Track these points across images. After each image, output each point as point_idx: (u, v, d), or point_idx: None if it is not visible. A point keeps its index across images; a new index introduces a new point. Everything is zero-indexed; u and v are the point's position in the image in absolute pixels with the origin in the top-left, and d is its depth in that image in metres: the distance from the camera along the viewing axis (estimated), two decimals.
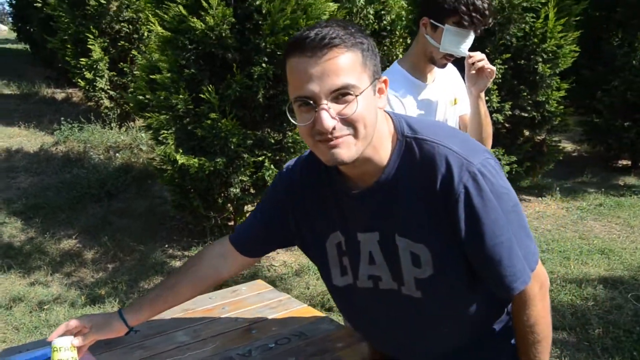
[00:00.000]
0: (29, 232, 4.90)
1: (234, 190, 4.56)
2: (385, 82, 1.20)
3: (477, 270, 1.26)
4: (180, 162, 4.27)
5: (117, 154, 6.55)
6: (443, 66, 2.05)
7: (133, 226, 5.03)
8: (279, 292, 2.01)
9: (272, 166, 4.48)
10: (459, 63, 2.10)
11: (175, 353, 1.59)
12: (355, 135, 1.14)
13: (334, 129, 1.11)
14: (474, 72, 2.04)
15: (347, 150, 1.15)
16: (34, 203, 5.42)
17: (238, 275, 4.24)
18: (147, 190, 5.78)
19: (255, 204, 4.82)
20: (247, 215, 4.84)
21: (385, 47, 7.78)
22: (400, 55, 8.21)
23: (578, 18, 5.69)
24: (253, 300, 1.93)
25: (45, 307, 3.71)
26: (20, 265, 4.30)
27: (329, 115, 1.10)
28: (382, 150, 1.24)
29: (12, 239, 4.78)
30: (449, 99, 2.15)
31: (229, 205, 4.89)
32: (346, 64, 1.10)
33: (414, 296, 1.29)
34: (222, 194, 4.69)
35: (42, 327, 3.44)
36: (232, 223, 4.99)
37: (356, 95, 1.11)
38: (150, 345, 1.64)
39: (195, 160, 4.28)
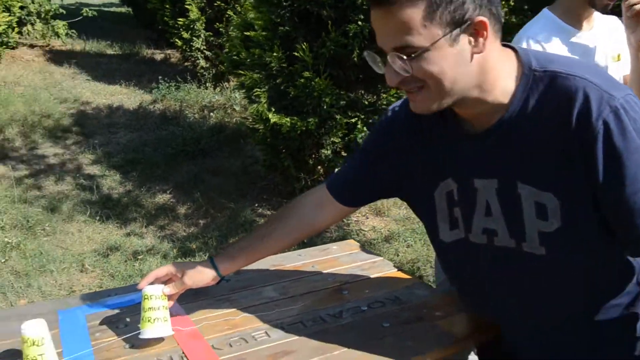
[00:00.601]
0: (126, 185, 5.06)
1: (325, 151, 4.47)
2: (481, 23, 1.02)
3: (611, 222, 1.07)
4: (272, 120, 4.22)
5: (211, 114, 6.64)
6: (604, 9, 1.82)
7: (224, 184, 5.07)
8: (371, 253, 1.89)
9: (364, 128, 4.34)
10: None
11: (263, 308, 1.51)
12: (428, 89, 1.07)
13: (401, 82, 1.07)
14: (630, 15, 1.76)
15: (422, 103, 1.10)
16: (132, 158, 5.59)
17: (328, 234, 4.18)
18: (239, 150, 5.82)
19: None
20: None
21: None
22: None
23: None
24: (344, 260, 1.83)
25: (139, 257, 3.80)
26: (118, 216, 4.44)
27: (392, 70, 1.06)
28: (499, 90, 1.09)
29: (111, 191, 4.96)
30: (611, 54, 1.92)
31: (319, 167, 4.82)
32: (402, 23, 1.01)
33: (535, 253, 1.13)
34: (313, 155, 4.62)
35: (135, 276, 3.53)
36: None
37: (416, 54, 1.01)
38: (237, 299, 1.57)
39: (288, 119, 4.22)
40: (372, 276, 1.71)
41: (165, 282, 1.43)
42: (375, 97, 4.52)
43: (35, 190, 4.93)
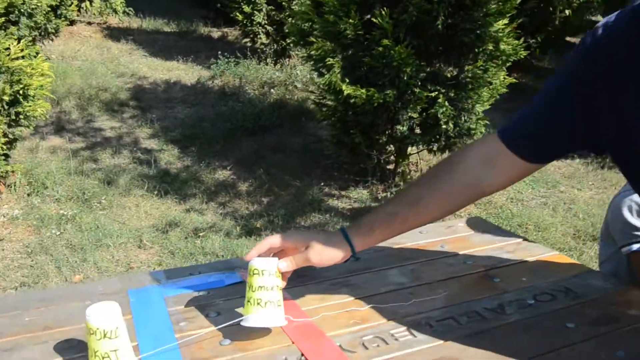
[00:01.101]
0: (184, 160, 4.78)
1: (401, 127, 4.07)
2: None
3: None
4: (346, 92, 3.85)
5: (272, 90, 6.32)
6: None
7: (287, 162, 4.74)
8: (508, 231, 1.50)
9: (446, 103, 3.93)
10: None
11: (394, 298, 1.15)
12: None
13: None
14: None
15: None
16: (190, 132, 5.31)
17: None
18: (301, 127, 5.48)
19: (421, 146, 4.32)
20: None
21: None
22: None
23: None
24: (477, 240, 1.44)
25: (200, 234, 3.51)
26: (177, 192, 4.16)
27: None
28: None
29: (169, 166, 4.69)
30: None
31: (391, 145, 4.43)
32: None
33: None
34: (387, 132, 4.23)
35: (197, 254, 3.24)
36: (391, 167, 4.54)
37: None
38: (357, 284, 1.21)
39: (363, 91, 3.84)
40: (524, 260, 1.32)
41: (279, 256, 1.08)
42: (457, 69, 4.10)
43: (92, 162, 4.70)
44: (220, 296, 1.16)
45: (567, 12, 7.29)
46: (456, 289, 1.18)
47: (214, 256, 3.22)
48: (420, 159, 4.66)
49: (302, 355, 0.95)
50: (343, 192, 4.20)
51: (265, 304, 0.99)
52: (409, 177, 4.43)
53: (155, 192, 4.10)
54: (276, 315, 0.99)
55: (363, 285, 1.20)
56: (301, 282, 1.21)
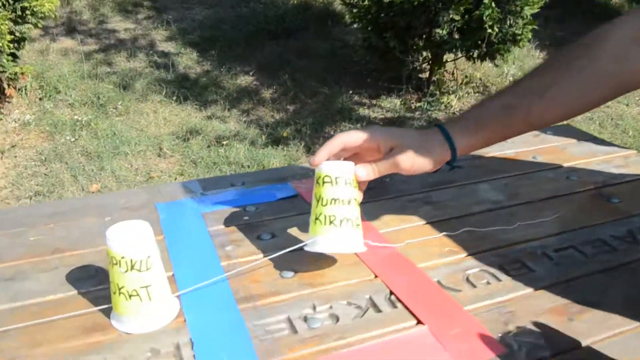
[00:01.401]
0: (204, 65, 4.48)
1: (440, 31, 3.71)
2: None
3: None
4: None
5: None
6: None
7: (313, 67, 4.42)
8: (609, 142, 1.24)
9: (492, 4, 3.54)
10: None
11: (493, 219, 0.91)
12: None
13: None
14: None
15: None
16: (209, 35, 4.97)
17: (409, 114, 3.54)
18: (327, 32, 5.10)
19: (459, 53, 3.97)
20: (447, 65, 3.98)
21: None
22: None
23: None
24: (577, 151, 1.19)
25: (224, 142, 3.28)
26: (196, 98, 3.90)
27: None
28: None
29: (188, 70, 4.39)
30: None
31: (427, 52, 4.08)
32: None
33: None
34: (424, 36, 3.87)
35: (221, 163, 3.02)
36: (425, 75, 4.21)
37: None
38: (443, 200, 0.97)
39: None
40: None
41: (354, 160, 0.82)
42: None
43: (106, 66, 4.41)
44: (273, 213, 0.93)
45: None
46: (568, 211, 0.93)
47: (239, 166, 3.00)
48: (457, 68, 4.32)
49: (392, 293, 0.72)
50: (374, 101, 3.91)
51: (340, 222, 0.74)
52: (444, 86, 4.11)
53: (174, 98, 3.84)
54: (354, 238, 0.76)
55: (450, 203, 0.96)
56: (372, 197, 0.97)
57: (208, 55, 4.60)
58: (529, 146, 1.20)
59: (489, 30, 3.59)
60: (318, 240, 0.75)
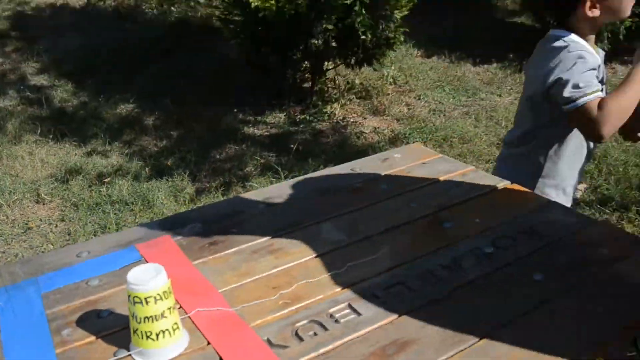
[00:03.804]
0: (81, 96, 4.30)
1: (316, 41, 3.78)
2: None
3: None
4: (253, 5, 3.48)
5: (173, 8, 5.76)
6: None
7: (196, 88, 4.36)
8: (455, 160, 1.32)
9: (363, 11, 3.64)
10: None
11: (331, 262, 0.94)
12: None
13: None
14: None
15: None
16: (85, 64, 4.77)
17: (324, 139, 3.59)
18: (209, 48, 5.04)
19: (337, 60, 4.06)
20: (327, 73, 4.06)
21: None
22: None
23: None
24: (421, 173, 1.25)
25: (105, 180, 3.16)
26: (75, 133, 3.74)
27: None
28: None
29: (64, 104, 4.21)
30: None
31: (306, 62, 4.14)
32: None
33: None
34: (301, 47, 3.92)
35: (104, 203, 2.91)
36: (307, 85, 4.27)
37: None
38: (284, 248, 0.99)
39: (273, 2, 3.48)
40: (474, 195, 1.14)
41: None
42: None
43: None
44: (116, 284, 0.92)
45: None
46: (402, 242, 0.98)
47: (123, 204, 2.91)
48: (338, 75, 4.41)
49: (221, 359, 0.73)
50: (259, 118, 3.91)
51: (157, 335, 0.75)
52: (327, 95, 4.19)
53: (51, 136, 3.66)
54: (174, 345, 0.77)
55: (291, 250, 0.98)
56: (212, 250, 0.98)
57: (85, 86, 4.43)
58: (376, 171, 1.25)
59: (362, 37, 3.69)
60: (140, 352, 0.76)
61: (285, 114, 3.95)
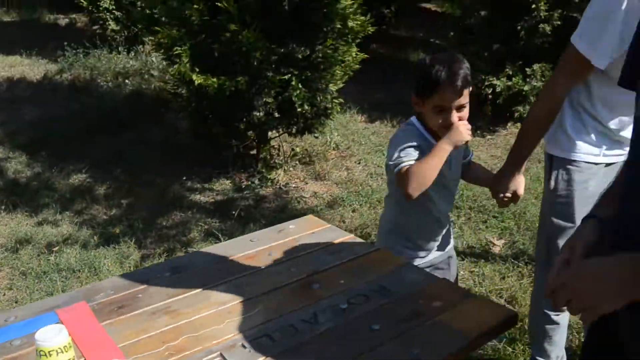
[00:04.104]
0: (35, 167, 4.47)
1: (257, 114, 4.06)
2: None
3: None
4: (197, 82, 3.76)
5: (127, 81, 6.03)
6: None
7: (148, 158, 4.58)
8: (340, 230, 1.56)
9: (299, 85, 3.95)
10: None
11: (213, 320, 1.15)
12: None
13: None
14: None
15: None
16: (40, 135, 4.95)
17: (267, 205, 3.82)
18: (162, 119, 5.29)
19: (280, 128, 4.34)
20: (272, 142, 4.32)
21: None
22: None
23: None
24: (307, 243, 1.48)
25: (54, 249, 3.31)
26: (27, 204, 3.89)
27: None
28: None
29: (18, 175, 4.36)
30: None
31: (251, 132, 4.41)
32: None
33: None
34: (244, 119, 4.20)
35: (51, 272, 3.05)
36: (254, 152, 4.53)
37: None
38: (177, 309, 1.20)
39: (214, 80, 3.76)
40: (345, 260, 1.37)
41: None
42: (309, 50, 4.12)
43: None
44: (33, 343, 1.10)
45: None
46: (277, 301, 1.20)
47: (70, 272, 3.05)
48: (284, 141, 4.69)
49: None
50: (206, 185, 4.13)
51: None
52: (272, 161, 4.45)
53: (3, 207, 3.80)
54: None
55: (184, 311, 1.19)
56: (122, 313, 1.18)
57: (39, 157, 4.60)
58: (269, 242, 1.48)
59: (299, 109, 3.99)
60: None
61: (231, 181, 4.17)
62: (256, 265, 1.37)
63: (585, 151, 1.80)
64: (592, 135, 1.79)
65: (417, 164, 1.49)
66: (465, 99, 1.57)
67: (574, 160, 1.82)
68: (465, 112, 1.59)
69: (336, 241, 1.47)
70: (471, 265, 3.10)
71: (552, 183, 1.86)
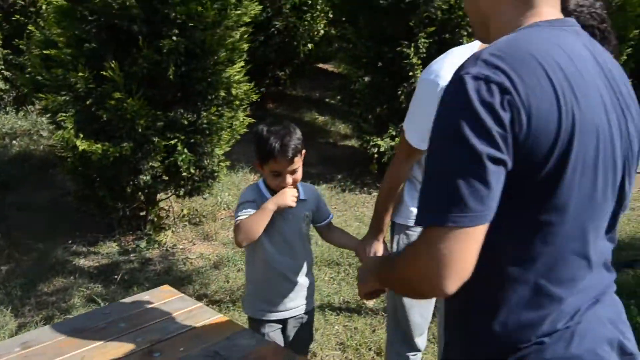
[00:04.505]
0: None
1: (144, 177, 4.14)
2: None
3: None
4: (81, 148, 3.81)
5: (14, 141, 5.91)
6: None
7: (32, 221, 4.50)
8: (190, 299, 1.69)
9: (185, 150, 4.09)
10: None
11: None
12: None
13: None
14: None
15: None
16: None
17: (152, 267, 3.85)
18: (49, 180, 5.23)
19: (168, 191, 4.44)
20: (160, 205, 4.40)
21: (306, 22, 7.48)
22: (322, 32, 7.93)
23: None
24: (157, 314, 1.60)
25: None
26: None
27: None
28: None
29: None
30: None
31: (139, 194, 4.46)
32: None
33: None
34: (131, 182, 4.26)
35: None
36: (143, 213, 4.57)
37: None
38: None
39: (99, 146, 3.83)
40: (189, 328, 1.51)
41: None
42: (195, 115, 4.28)
43: None
44: None
45: (309, 45, 7.95)
46: None
47: None
48: (176, 202, 4.77)
49: None
50: (92, 248, 4.12)
51: None
52: (161, 223, 4.50)
53: None
54: None
55: None
56: None
57: None
58: (122, 313, 1.59)
59: (185, 173, 4.11)
60: None
61: (117, 244, 4.19)
62: (105, 337, 1.47)
63: None
64: None
65: (245, 218, 1.74)
66: (297, 164, 1.86)
67: (412, 226, 2.06)
68: (299, 175, 1.88)
69: (185, 310, 1.60)
70: (345, 320, 3.29)
71: (395, 247, 2.09)
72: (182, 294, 1.71)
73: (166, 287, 1.77)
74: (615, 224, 1.00)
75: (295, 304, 1.90)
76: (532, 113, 0.82)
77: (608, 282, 1.00)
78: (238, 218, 1.75)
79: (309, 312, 2.00)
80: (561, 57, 0.88)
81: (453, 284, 0.83)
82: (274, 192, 1.84)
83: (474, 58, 0.87)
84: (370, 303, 3.50)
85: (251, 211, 1.76)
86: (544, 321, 0.91)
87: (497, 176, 0.82)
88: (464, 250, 0.82)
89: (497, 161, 0.82)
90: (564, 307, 0.92)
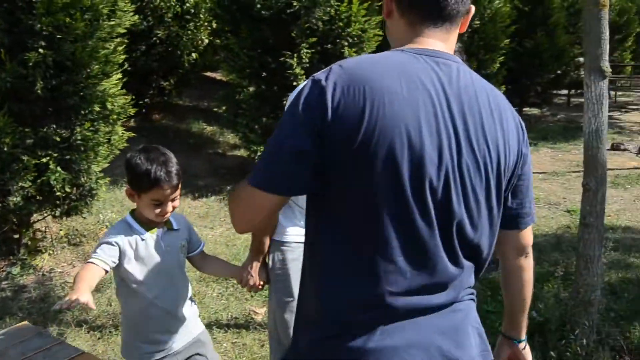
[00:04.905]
0: None
1: (14, 199, 3.86)
2: None
3: None
4: None
5: None
6: None
7: None
8: (50, 336, 1.59)
9: (58, 168, 3.86)
10: None
11: None
12: None
13: None
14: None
15: None
16: None
17: (26, 294, 3.59)
18: None
19: (43, 212, 4.17)
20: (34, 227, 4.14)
21: (189, 32, 7.34)
22: (206, 41, 7.82)
23: (380, 3, 5.79)
24: (14, 351, 1.49)
25: None
26: None
27: None
28: None
29: None
30: None
31: (10, 215, 4.16)
32: None
33: None
34: (0, 204, 3.96)
35: None
36: (17, 236, 4.27)
37: None
38: None
39: None
40: None
41: None
42: (69, 131, 4.05)
43: None
44: None
45: (194, 55, 7.80)
46: None
47: None
48: (54, 222, 4.50)
49: None
50: None
51: None
52: (37, 246, 4.23)
53: None
54: None
55: None
56: None
57: None
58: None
59: (59, 193, 3.88)
60: None
61: None
62: None
63: (294, 233, 2.06)
64: (301, 221, 2.05)
65: (82, 272, 1.59)
66: (178, 191, 1.77)
67: (286, 242, 2.07)
68: (177, 202, 1.79)
69: (44, 348, 1.50)
70: (234, 337, 3.25)
71: (271, 263, 2.09)
72: (42, 330, 1.60)
73: (25, 324, 1.65)
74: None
75: (182, 335, 1.85)
76: (338, 113, 0.99)
77: None
78: (91, 258, 1.64)
79: (200, 334, 1.95)
80: (391, 77, 1.03)
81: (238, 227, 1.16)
82: (146, 224, 1.76)
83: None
84: (258, 317, 3.48)
85: (108, 254, 1.66)
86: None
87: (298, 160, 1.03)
88: (251, 204, 1.10)
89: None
90: None
